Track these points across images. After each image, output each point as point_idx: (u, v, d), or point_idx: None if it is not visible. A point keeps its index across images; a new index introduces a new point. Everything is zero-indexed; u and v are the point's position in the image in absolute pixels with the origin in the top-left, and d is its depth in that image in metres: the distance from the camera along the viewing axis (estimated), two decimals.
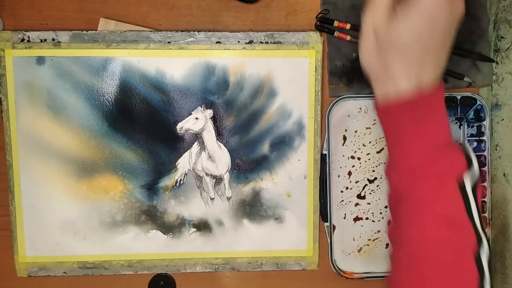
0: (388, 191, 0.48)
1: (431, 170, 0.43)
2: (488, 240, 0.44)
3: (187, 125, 0.60)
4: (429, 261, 0.42)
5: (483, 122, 0.63)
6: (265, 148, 0.61)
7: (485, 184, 0.63)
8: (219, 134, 0.60)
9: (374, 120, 0.62)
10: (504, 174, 0.63)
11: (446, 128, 0.45)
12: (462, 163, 0.43)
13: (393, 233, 0.48)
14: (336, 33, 0.60)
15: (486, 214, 0.63)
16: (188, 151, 0.60)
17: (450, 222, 0.42)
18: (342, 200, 0.63)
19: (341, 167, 0.63)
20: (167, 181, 0.61)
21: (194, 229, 0.61)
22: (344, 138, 0.62)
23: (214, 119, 0.60)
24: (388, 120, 0.46)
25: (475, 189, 0.44)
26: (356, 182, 0.63)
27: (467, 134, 0.63)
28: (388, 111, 0.45)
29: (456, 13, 0.43)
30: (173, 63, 0.59)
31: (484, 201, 0.63)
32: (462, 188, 0.42)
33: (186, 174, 0.61)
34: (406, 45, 0.41)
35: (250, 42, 0.59)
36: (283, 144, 0.61)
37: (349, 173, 0.63)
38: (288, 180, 0.61)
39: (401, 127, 0.44)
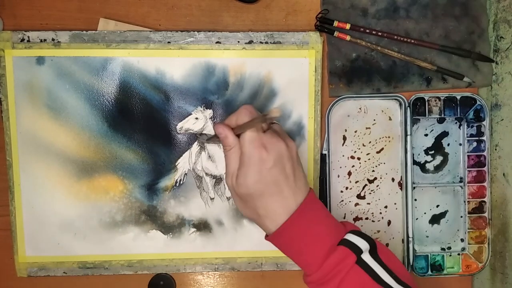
0: None
1: (330, 272, 0.46)
2: None
3: (187, 125, 0.60)
4: None
5: (483, 122, 0.63)
6: None
7: (485, 184, 0.63)
8: None
9: (374, 120, 0.62)
10: (504, 174, 0.63)
11: (331, 226, 0.49)
12: (350, 255, 0.46)
13: None
14: (336, 33, 0.60)
15: (486, 214, 0.64)
16: (188, 151, 0.60)
17: None
18: (342, 200, 0.63)
19: (341, 167, 0.63)
20: (167, 181, 0.61)
21: (194, 229, 0.61)
22: (344, 138, 0.62)
23: (214, 119, 0.60)
24: (283, 242, 0.49)
25: (377, 256, 0.48)
26: (356, 182, 0.63)
27: (467, 134, 0.63)
28: (279, 236, 0.48)
29: (277, 146, 0.48)
30: (173, 63, 0.59)
31: (484, 201, 0.63)
32: (363, 264, 0.46)
33: (186, 174, 0.61)
34: (257, 190, 0.47)
35: (250, 42, 0.59)
36: None
37: (349, 173, 0.63)
38: None
39: (295, 244, 0.48)
